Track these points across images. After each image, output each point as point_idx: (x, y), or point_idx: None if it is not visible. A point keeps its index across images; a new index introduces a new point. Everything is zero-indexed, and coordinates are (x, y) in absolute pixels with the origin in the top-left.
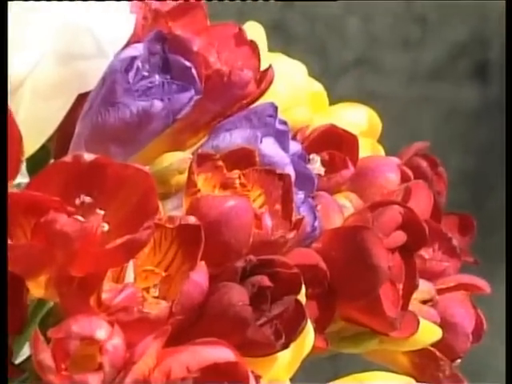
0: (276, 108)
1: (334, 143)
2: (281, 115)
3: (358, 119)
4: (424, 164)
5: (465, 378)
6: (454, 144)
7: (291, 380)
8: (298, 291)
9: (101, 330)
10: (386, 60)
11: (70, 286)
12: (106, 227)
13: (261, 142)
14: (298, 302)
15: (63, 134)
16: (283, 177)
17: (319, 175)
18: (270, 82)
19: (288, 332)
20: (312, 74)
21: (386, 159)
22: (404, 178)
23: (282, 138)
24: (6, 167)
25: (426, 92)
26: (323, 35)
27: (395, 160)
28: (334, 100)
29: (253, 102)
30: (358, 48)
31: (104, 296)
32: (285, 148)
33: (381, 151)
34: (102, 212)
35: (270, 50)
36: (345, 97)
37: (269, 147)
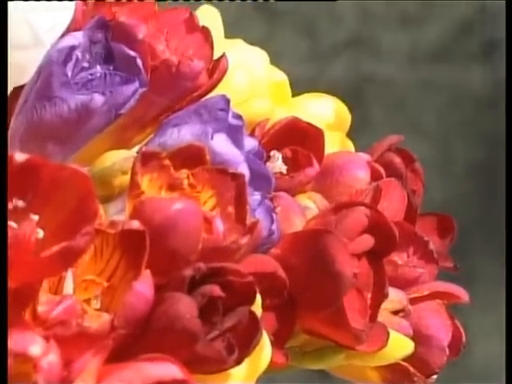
0: (228, 101)
1: (297, 138)
2: (236, 108)
3: (323, 111)
4: (397, 160)
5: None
6: (459, 133)
7: None
8: (252, 301)
9: (35, 346)
10: (382, 40)
11: None
12: (40, 233)
13: (212, 138)
14: (252, 313)
15: None
16: (236, 176)
17: (281, 174)
18: (224, 72)
19: (241, 346)
20: (299, 56)
21: (355, 155)
22: (374, 176)
23: (235, 133)
24: (6, 168)
25: (427, 75)
26: (312, 12)
27: (365, 156)
28: (324, 86)
29: (205, 94)
30: (351, 27)
31: (40, 309)
32: (239, 145)
33: (350, 146)
34: (37, 217)
35: (253, 29)
36: (336, 82)
37: (221, 144)
